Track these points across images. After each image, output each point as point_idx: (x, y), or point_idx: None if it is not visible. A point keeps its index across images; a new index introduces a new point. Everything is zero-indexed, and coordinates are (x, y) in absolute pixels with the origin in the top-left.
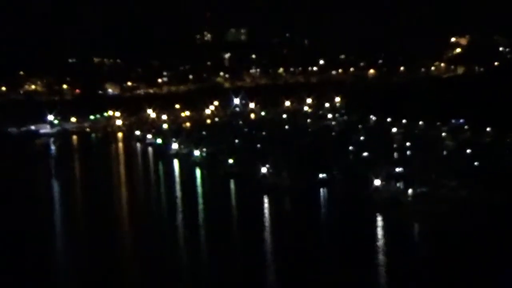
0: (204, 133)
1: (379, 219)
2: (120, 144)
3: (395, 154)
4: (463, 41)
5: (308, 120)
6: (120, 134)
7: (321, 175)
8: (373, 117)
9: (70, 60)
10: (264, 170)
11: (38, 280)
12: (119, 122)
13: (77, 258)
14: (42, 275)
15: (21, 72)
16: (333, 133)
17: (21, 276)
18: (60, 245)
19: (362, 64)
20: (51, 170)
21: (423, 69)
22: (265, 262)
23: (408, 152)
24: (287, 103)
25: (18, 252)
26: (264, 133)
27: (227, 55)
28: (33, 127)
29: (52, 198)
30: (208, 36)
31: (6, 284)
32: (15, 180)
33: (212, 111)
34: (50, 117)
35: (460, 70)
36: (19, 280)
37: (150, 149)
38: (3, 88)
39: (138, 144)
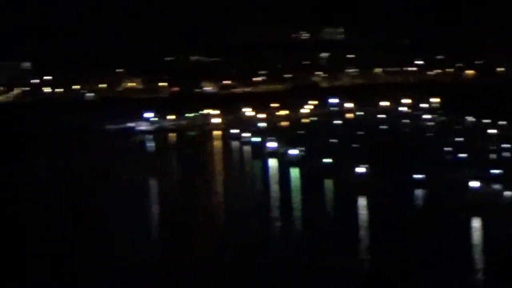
0: (300, 132)
1: (478, 222)
2: (217, 142)
3: (492, 156)
4: None
5: (405, 121)
6: (216, 132)
7: (416, 176)
8: (470, 118)
9: (167, 58)
10: (360, 170)
11: None
12: (216, 120)
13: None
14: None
15: (120, 70)
16: (429, 134)
17: None
18: (163, 238)
19: (459, 64)
20: (148, 167)
21: None
22: (362, 266)
23: (505, 154)
24: (384, 103)
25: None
26: (360, 132)
27: (323, 54)
28: (130, 125)
29: (149, 194)
30: (304, 35)
31: None
32: (113, 177)
33: (308, 110)
34: (148, 115)
35: None
36: None
37: (246, 147)
38: (102, 86)
39: (235, 143)
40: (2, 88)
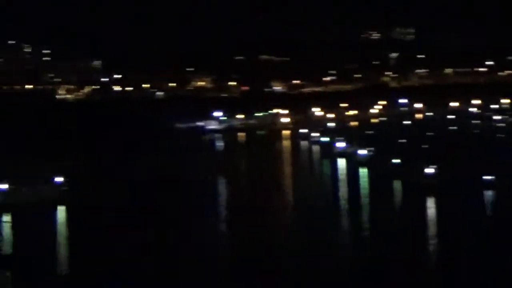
0: (369, 132)
1: None
2: (285, 142)
3: None
4: None
5: (475, 121)
6: (285, 132)
7: (486, 177)
8: None
9: (237, 58)
10: (429, 171)
11: None
12: (285, 120)
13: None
14: None
15: (190, 69)
16: (500, 135)
17: None
18: (232, 237)
19: None
20: (217, 166)
21: None
22: (432, 268)
23: None
24: (454, 104)
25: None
26: (430, 133)
27: (393, 54)
28: (200, 123)
29: (218, 193)
30: (375, 35)
31: None
32: (182, 176)
33: (378, 110)
34: (217, 114)
35: None
36: None
37: (315, 147)
38: (172, 84)
39: (303, 142)
40: (73, 87)
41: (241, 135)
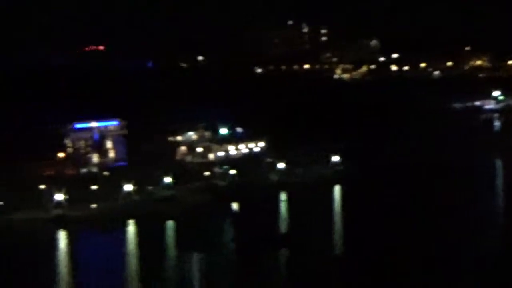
0: None
1: None
2: None
3: None
4: None
5: None
6: None
7: None
8: None
9: None
10: None
11: None
12: None
13: None
14: None
15: (467, 48)
16: None
17: None
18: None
19: None
20: (495, 147)
21: None
22: None
23: None
24: None
25: None
26: None
27: None
28: (477, 103)
29: (497, 175)
30: None
31: None
32: (460, 156)
33: None
34: (495, 93)
35: None
36: None
37: None
38: (449, 64)
39: None
40: (350, 66)
41: None
